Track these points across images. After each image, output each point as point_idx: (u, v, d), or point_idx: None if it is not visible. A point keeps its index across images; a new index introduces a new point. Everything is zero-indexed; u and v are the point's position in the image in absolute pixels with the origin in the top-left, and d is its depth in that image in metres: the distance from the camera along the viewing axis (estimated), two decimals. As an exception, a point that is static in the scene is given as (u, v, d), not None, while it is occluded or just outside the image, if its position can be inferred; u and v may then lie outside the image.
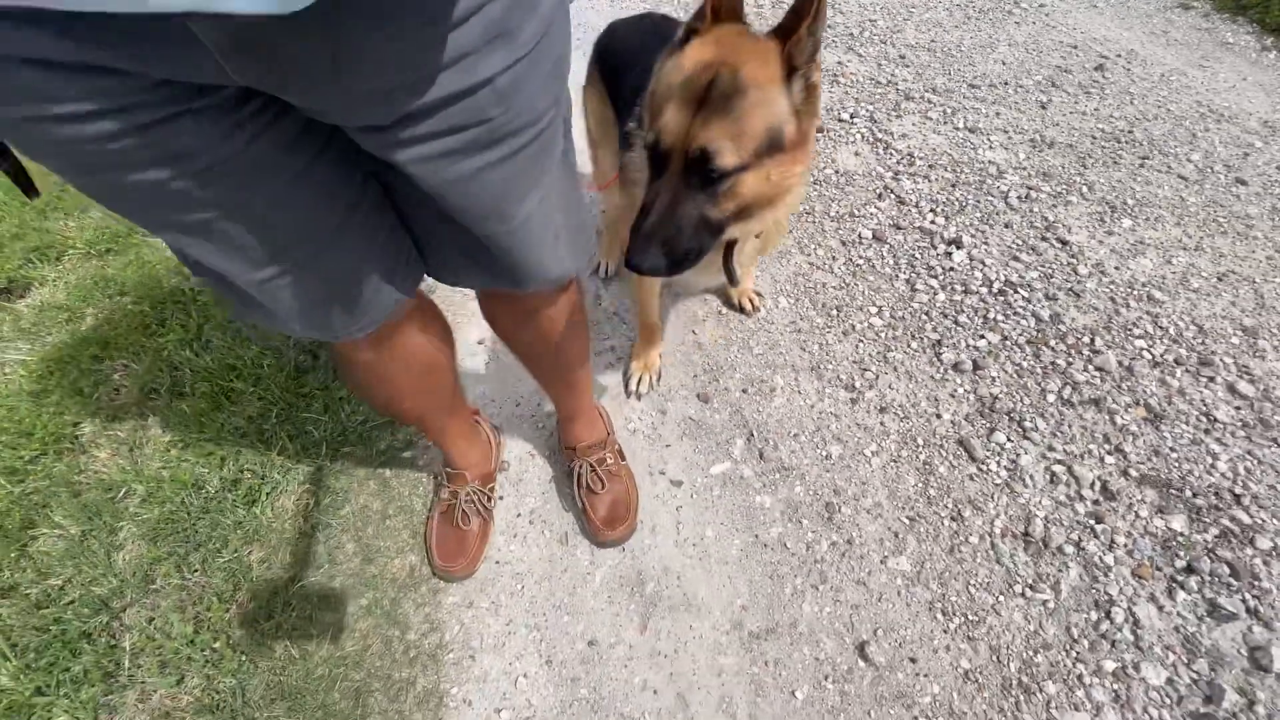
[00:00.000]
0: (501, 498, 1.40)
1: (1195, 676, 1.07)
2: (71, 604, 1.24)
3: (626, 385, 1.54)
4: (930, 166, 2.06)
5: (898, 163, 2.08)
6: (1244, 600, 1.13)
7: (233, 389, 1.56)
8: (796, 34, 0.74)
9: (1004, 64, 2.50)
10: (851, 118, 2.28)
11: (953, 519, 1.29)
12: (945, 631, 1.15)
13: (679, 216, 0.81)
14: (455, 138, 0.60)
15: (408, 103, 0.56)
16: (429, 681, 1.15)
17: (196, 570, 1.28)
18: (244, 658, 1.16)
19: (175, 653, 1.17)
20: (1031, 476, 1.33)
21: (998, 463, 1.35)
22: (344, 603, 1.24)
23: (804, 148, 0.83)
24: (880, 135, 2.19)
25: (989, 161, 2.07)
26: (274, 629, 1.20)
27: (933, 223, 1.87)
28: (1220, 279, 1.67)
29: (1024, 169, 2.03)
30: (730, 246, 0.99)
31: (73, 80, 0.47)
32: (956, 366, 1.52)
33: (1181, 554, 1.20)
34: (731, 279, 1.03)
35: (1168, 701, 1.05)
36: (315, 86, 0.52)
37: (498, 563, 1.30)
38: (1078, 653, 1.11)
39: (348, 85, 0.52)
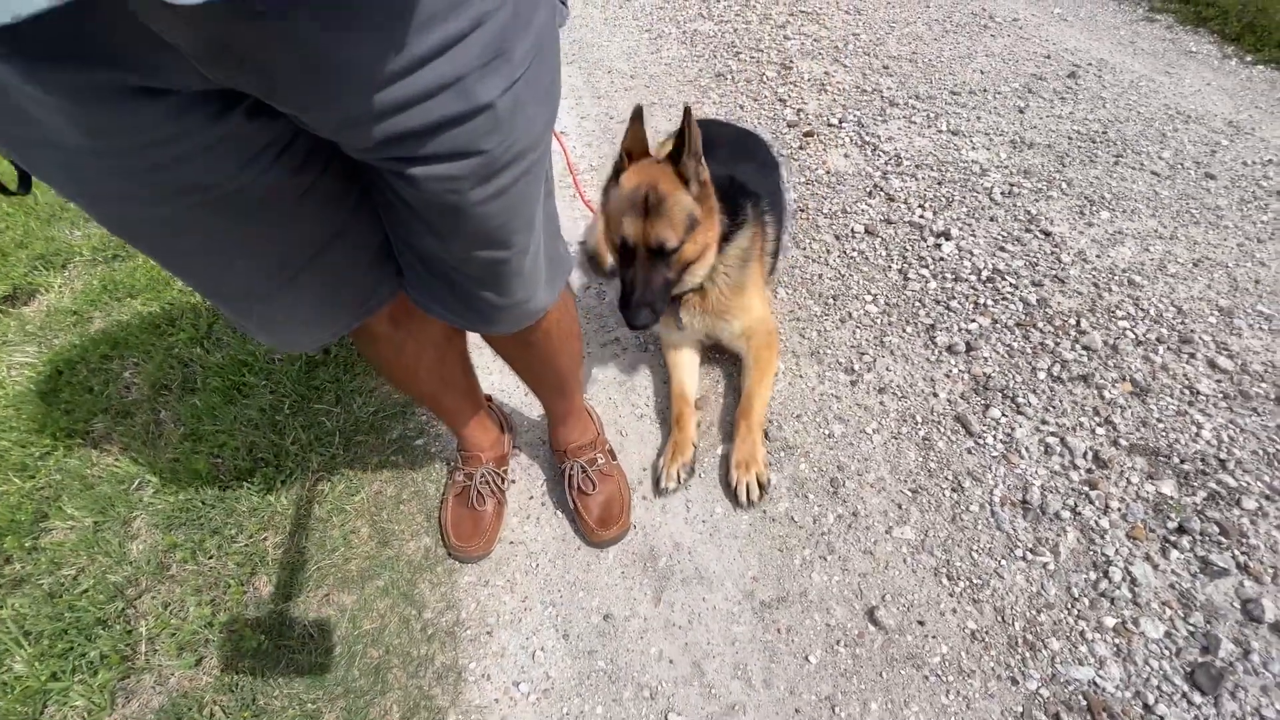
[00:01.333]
0: (514, 481, 1.42)
1: (1192, 629, 1.11)
2: (85, 592, 1.25)
3: (656, 484, 1.38)
4: (917, 166, 2.15)
5: (885, 163, 2.17)
6: (1234, 557, 1.18)
7: (245, 383, 1.59)
8: (681, 161, 1.19)
9: (982, 73, 2.62)
10: (840, 122, 2.37)
11: (953, 490, 1.33)
12: (951, 595, 1.19)
13: (652, 285, 1.21)
14: (460, 164, 0.59)
15: (399, 120, 0.54)
16: (447, 658, 1.16)
17: (212, 556, 1.29)
18: (263, 638, 1.17)
19: (193, 635, 1.18)
20: (1027, 448, 1.38)
21: (994, 436, 1.40)
22: (360, 584, 1.25)
23: (709, 220, 1.26)
24: (868, 138, 2.29)
25: (972, 161, 2.16)
26: (292, 610, 1.21)
27: (921, 217, 1.95)
28: (1195, 264, 1.76)
29: (1006, 167, 2.13)
30: (677, 300, 1.39)
31: (89, 109, 0.48)
32: (950, 348, 1.58)
33: (1173, 516, 1.25)
34: (678, 323, 1.43)
35: (1167, 653, 1.09)
36: (298, 93, 0.51)
37: (511, 543, 1.32)
38: (1079, 610, 1.15)
39: (328, 93, 0.51)
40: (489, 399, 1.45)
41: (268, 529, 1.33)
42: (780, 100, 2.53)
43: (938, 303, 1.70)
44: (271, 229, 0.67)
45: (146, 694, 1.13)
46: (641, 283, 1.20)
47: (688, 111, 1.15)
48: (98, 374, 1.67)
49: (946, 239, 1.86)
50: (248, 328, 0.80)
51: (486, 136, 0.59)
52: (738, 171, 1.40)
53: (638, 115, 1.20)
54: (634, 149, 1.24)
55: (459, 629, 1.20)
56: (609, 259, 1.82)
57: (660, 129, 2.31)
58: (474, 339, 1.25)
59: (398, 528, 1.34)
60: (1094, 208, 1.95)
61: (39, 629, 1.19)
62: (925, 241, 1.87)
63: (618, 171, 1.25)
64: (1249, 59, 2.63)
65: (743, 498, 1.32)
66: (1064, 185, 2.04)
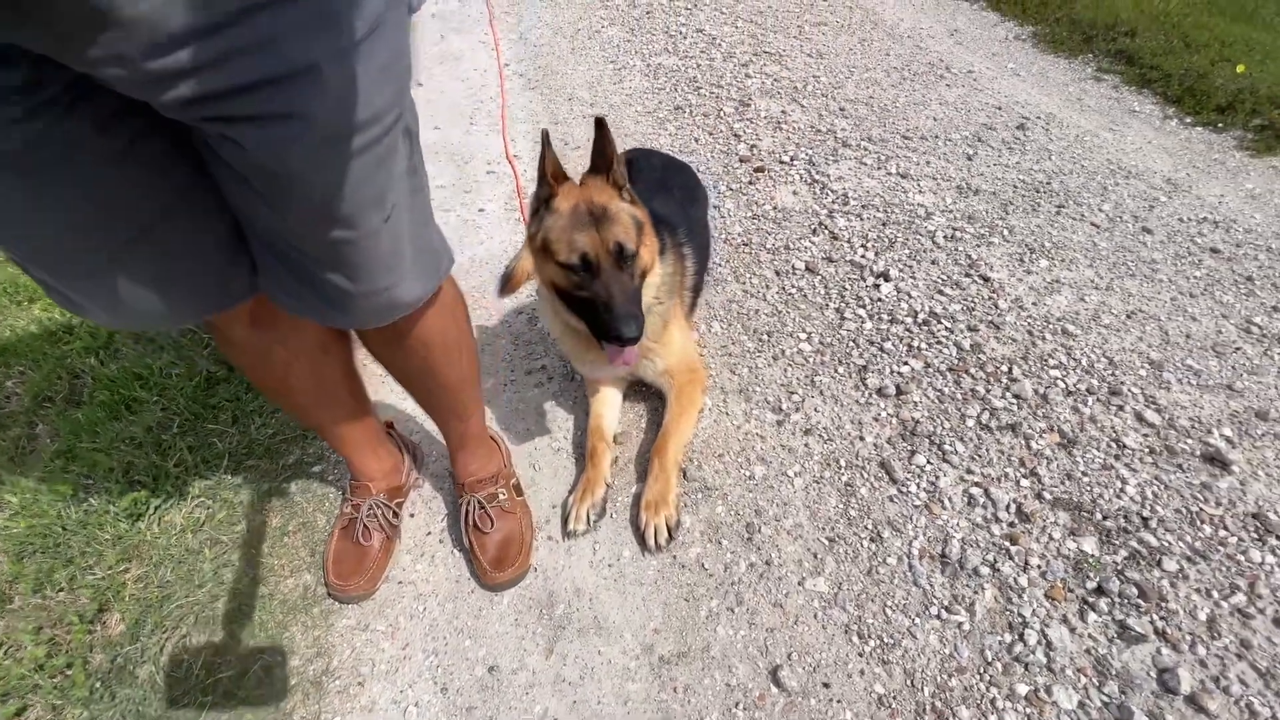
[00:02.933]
0: (412, 515, 1.33)
1: (1106, 699, 1.05)
2: (-90, 627, 1.12)
3: (565, 524, 1.29)
4: (863, 206, 2.15)
5: (833, 202, 2.17)
6: (1152, 622, 1.13)
7: (135, 398, 1.48)
8: (612, 171, 1.20)
9: (935, 120, 2.67)
10: (791, 160, 2.38)
11: (872, 540, 1.27)
12: (860, 655, 1.11)
13: (625, 291, 1.14)
14: (283, 126, 0.58)
15: (214, 77, 0.53)
16: (308, 712, 1.05)
17: (61, 589, 1.17)
18: (99, 685, 1.05)
19: (20, 679, 1.05)
20: (950, 498, 1.33)
21: (917, 484, 1.35)
22: (225, 625, 1.14)
23: (648, 225, 1.24)
24: (818, 177, 2.29)
25: (918, 204, 2.17)
26: (138, 653, 1.09)
27: (863, 257, 1.93)
28: (1129, 316, 1.76)
29: (950, 212, 2.14)
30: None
31: None
32: (881, 391, 1.54)
33: (1092, 575, 1.20)
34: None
35: (1077, 725, 1.02)
36: (87, 47, 0.49)
37: (400, 583, 1.22)
38: (991, 676, 1.08)
39: (121, 47, 0.49)
40: (390, 425, 1.37)
41: (131, 559, 1.21)
42: (735, 135, 2.54)
43: (872, 343, 1.66)
44: (81, 194, 0.62)
45: (-44, 748, 1.00)
46: (619, 291, 1.12)
47: (601, 122, 1.15)
48: None
49: (886, 280, 1.84)
50: (79, 307, 0.74)
51: (311, 100, 0.57)
52: (655, 203, 1.36)
53: (547, 140, 1.15)
54: (556, 173, 1.19)
55: (327, 679, 1.09)
56: (521, 284, 1.77)
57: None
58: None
59: (277, 562, 1.24)
60: (1034, 255, 1.96)
61: None
62: (865, 281, 1.85)
63: (545, 199, 1.20)
64: (1188, 120, 2.72)
65: (650, 541, 1.24)
66: (1006, 232, 2.05)
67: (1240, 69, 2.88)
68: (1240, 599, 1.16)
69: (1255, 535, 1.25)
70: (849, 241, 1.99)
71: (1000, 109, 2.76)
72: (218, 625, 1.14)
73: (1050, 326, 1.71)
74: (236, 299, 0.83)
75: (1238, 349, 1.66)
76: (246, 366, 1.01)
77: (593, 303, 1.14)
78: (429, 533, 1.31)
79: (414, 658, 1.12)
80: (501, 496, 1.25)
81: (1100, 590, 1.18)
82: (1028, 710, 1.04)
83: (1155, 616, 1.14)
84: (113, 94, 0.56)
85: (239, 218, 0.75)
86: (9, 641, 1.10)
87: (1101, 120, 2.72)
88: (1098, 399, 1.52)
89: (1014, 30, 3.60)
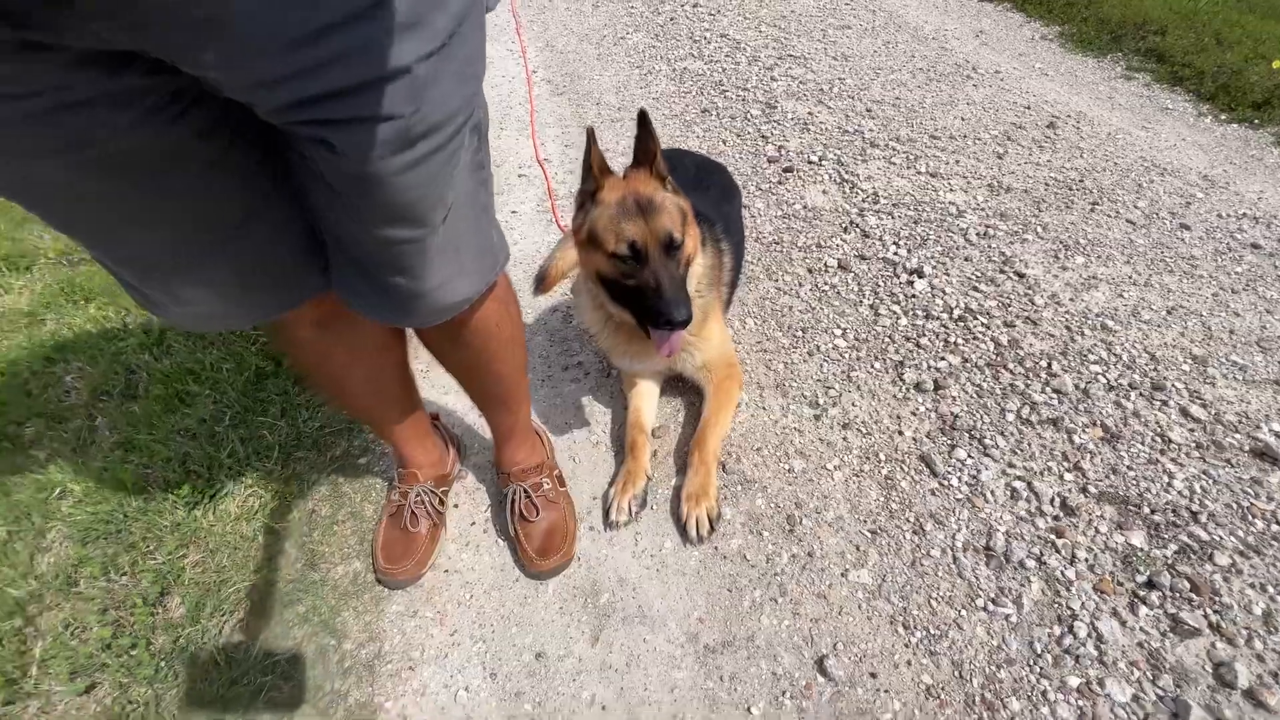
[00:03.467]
0: (456, 505, 1.35)
1: (1161, 693, 1.03)
2: (-17, 608, 1.16)
3: (606, 515, 1.31)
4: (894, 205, 2.15)
5: (863, 200, 2.18)
6: (1205, 616, 1.11)
7: (188, 391, 1.53)
8: (654, 163, 1.22)
9: (963, 119, 2.66)
10: (820, 160, 2.39)
11: (914, 533, 1.27)
12: (907, 646, 1.11)
13: (673, 277, 1.17)
14: (378, 128, 0.59)
15: (314, 82, 0.55)
16: (363, 694, 1.08)
17: (125, 573, 1.21)
18: (163, 664, 1.08)
19: (89, 659, 1.09)
20: (992, 492, 1.32)
21: (959, 478, 1.35)
22: (280, 609, 1.17)
23: (690, 215, 1.26)
24: (847, 176, 2.30)
25: (949, 202, 2.16)
26: (199, 635, 1.13)
27: (895, 254, 1.93)
28: (1169, 312, 1.74)
29: (982, 210, 2.13)
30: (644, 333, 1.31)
31: None
32: (918, 386, 1.54)
33: (1142, 569, 1.18)
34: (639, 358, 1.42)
35: (1134, 718, 1.01)
36: (202, 53, 0.51)
37: (447, 571, 1.25)
38: (1041, 668, 1.07)
39: (233, 54, 0.51)
40: (436, 418, 1.40)
41: (189, 546, 1.25)
42: (763, 137, 2.56)
43: (907, 339, 1.66)
44: (178, 200, 0.65)
45: (29, 722, 1.04)
46: (668, 277, 1.15)
47: (644, 116, 1.17)
48: (39, 376, 1.61)
49: (919, 276, 1.84)
50: (158, 307, 0.77)
51: (403, 102, 0.59)
52: (692, 199, 1.38)
53: (592, 137, 1.19)
54: (602, 167, 1.22)
55: (379, 663, 1.12)
56: (556, 283, 1.82)
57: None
58: (425, 356, 1.20)
59: (328, 549, 1.27)
60: (1069, 252, 1.94)
61: (-77, 646, 1.10)
62: (898, 278, 1.85)
63: (591, 192, 1.23)
64: (1223, 117, 2.68)
65: (692, 532, 1.25)
66: (1039, 229, 2.04)
67: (1276, 65, 2.83)
68: (1298, 592, 1.14)
69: (1313, 533, 1.23)
70: (881, 239, 2.00)
71: (1029, 108, 2.74)
72: (273, 609, 1.17)
73: (1089, 322, 1.70)
74: (306, 296, 0.85)
75: (1275, 336, 1.64)
76: (307, 365, 1.04)
77: (640, 291, 1.17)
78: (473, 523, 1.33)
79: (462, 644, 1.14)
80: (546, 486, 1.27)
81: (1151, 584, 1.16)
82: (1080, 703, 1.03)
83: (1209, 610, 1.12)
84: (214, 101, 0.59)
85: (317, 221, 0.77)
86: (76, 623, 1.15)
87: (1133, 118, 2.69)
88: (1140, 394, 1.50)
89: (1040, 30, 3.58)
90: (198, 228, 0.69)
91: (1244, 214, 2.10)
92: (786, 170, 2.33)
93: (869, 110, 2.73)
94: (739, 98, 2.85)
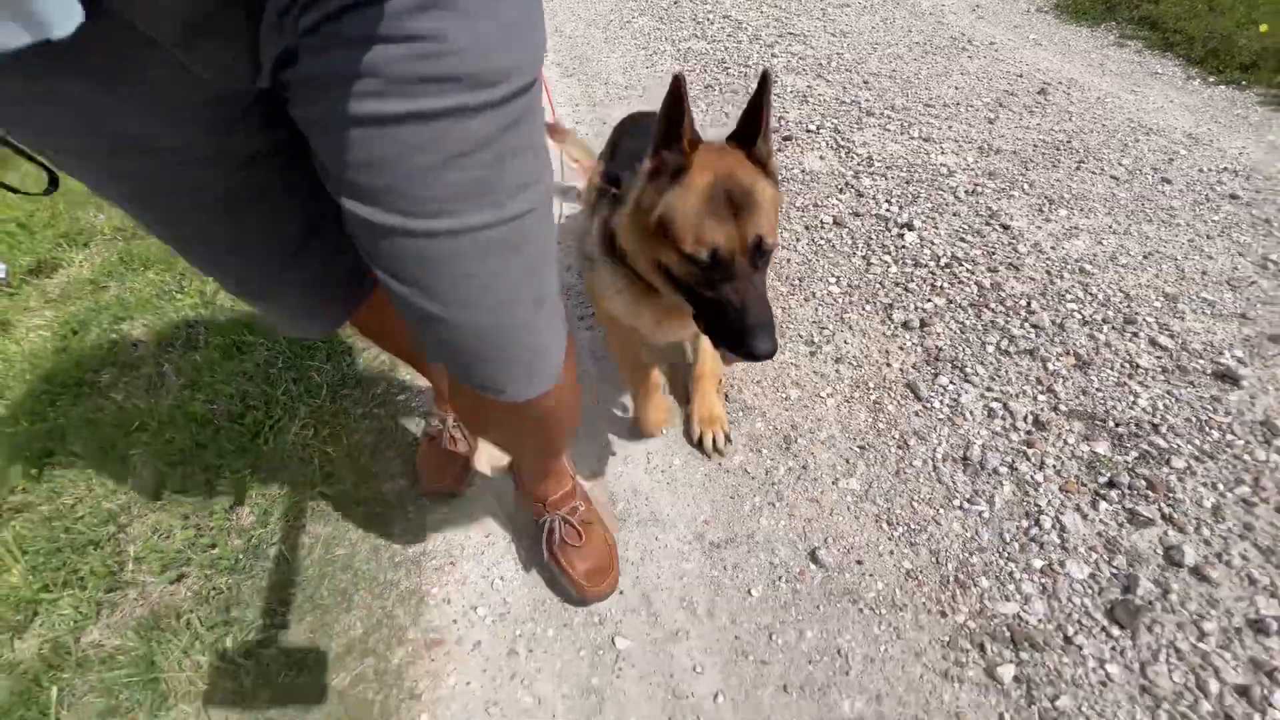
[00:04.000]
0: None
1: (1115, 571, 1.17)
2: (81, 518, 1.34)
3: (641, 427, 1.42)
4: (888, 167, 2.27)
5: (858, 164, 2.30)
6: (1160, 509, 1.24)
7: (244, 341, 1.70)
8: (755, 147, 0.95)
9: (956, 89, 2.77)
10: (818, 129, 2.51)
11: (899, 447, 1.40)
12: (890, 539, 1.25)
13: (760, 295, 0.93)
14: (389, 48, 0.49)
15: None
16: (411, 583, 1.24)
17: (200, 490, 1.38)
18: (240, 559, 1.25)
19: (176, 554, 1.26)
20: (971, 412, 1.45)
21: (940, 401, 1.48)
22: (336, 517, 1.34)
23: (778, 186, 1.02)
24: (843, 143, 2.42)
25: (940, 164, 2.28)
26: (269, 537, 1.29)
27: (888, 210, 2.06)
28: (1146, 257, 1.85)
29: (972, 170, 2.24)
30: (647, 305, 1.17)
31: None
32: (906, 324, 1.67)
33: (1104, 472, 1.31)
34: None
35: (1090, 592, 1.14)
36: None
37: (480, 486, 1.40)
38: (1009, 554, 1.21)
39: None
40: None
41: (254, 467, 1.42)
42: (763, 109, 2.69)
43: (897, 285, 1.79)
44: (262, 224, 0.71)
45: (129, 606, 1.21)
46: (755, 297, 0.92)
47: (766, 78, 0.87)
48: (108, 333, 1.79)
49: (909, 229, 1.96)
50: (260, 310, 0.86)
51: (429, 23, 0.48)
52: None
53: (680, 89, 0.86)
54: (694, 137, 0.94)
55: (424, 558, 1.28)
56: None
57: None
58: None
59: (376, 469, 1.43)
60: (1053, 206, 2.06)
61: (35, 547, 1.28)
62: (890, 232, 1.98)
63: (675, 169, 0.93)
64: (1211, 80, 2.76)
65: (708, 445, 1.40)
66: (1026, 186, 2.15)
67: (1264, 29, 2.90)
68: (1245, 490, 1.26)
69: (1262, 439, 1.35)
70: (874, 198, 2.12)
71: (1021, 76, 2.84)
72: (330, 517, 1.34)
73: (1068, 267, 1.81)
74: (369, 294, 0.93)
75: (1253, 283, 1.74)
76: (360, 323, 1.09)
77: (717, 304, 0.94)
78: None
79: (497, 544, 1.30)
80: (581, 509, 1.22)
81: (1111, 484, 1.29)
82: (1042, 580, 1.17)
83: (1163, 505, 1.25)
84: (279, 122, 0.59)
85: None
86: (162, 529, 1.32)
87: (1123, 83, 2.78)
88: (1113, 327, 1.62)
89: (1036, 3, 3.66)
90: (269, 248, 0.74)
91: (1224, 168, 2.20)
92: (785, 138, 2.46)
93: (865, 82, 2.84)
94: (741, 74, 2.98)
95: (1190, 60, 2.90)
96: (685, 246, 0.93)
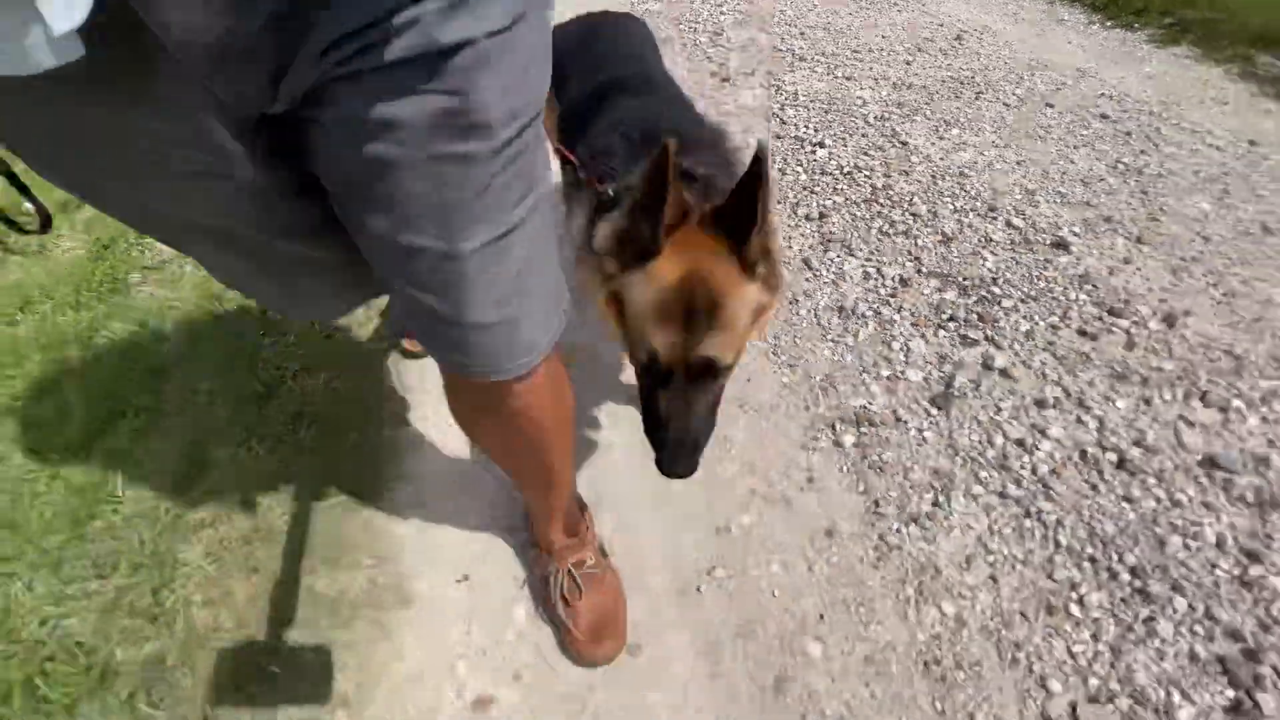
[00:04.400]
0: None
1: (942, 374, 1.50)
2: (125, 374, 1.65)
3: None
4: (811, 101, 2.59)
5: (785, 99, 2.61)
6: (985, 334, 1.57)
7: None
8: (751, 241, 0.77)
9: (883, 37, 3.08)
10: (753, 72, 2.82)
11: (790, 304, 1.73)
12: (775, 366, 1.58)
13: (698, 416, 0.82)
14: (409, 101, 0.52)
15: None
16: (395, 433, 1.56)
17: (234, 355, 1.69)
18: (303, 446, 1.57)
19: (249, 431, 1.58)
20: (851, 275, 1.78)
21: (827, 270, 1.81)
22: (358, 426, 1.66)
23: (774, 299, 0.85)
24: (774, 83, 2.73)
25: (857, 97, 2.60)
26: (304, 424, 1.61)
27: (805, 133, 2.38)
28: (1019, 164, 2.17)
29: (884, 102, 2.56)
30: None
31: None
32: (808, 217, 2.00)
33: (948, 311, 1.64)
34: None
35: (921, 389, 1.48)
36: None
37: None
38: (864, 368, 1.54)
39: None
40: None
41: (270, 336, 1.74)
42: (708, 58, 2.99)
43: (805, 189, 2.12)
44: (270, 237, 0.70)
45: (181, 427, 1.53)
46: (679, 416, 0.82)
47: (759, 158, 0.70)
48: (135, 246, 2.09)
49: (821, 147, 2.28)
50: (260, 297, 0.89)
51: (455, 81, 0.52)
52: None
53: (665, 161, 0.72)
54: (677, 216, 0.79)
55: (409, 394, 1.60)
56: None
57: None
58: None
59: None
60: (948, 127, 2.38)
61: (96, 390, 1.60)
62: (804, 149, 2.29)
63: (641, 247, 0.81)
64: (1109, 24, 3.08)
65: None
66: (928, 113, 2.47)
67: (1160, -23, 3.22)
68: (1054, 319, 1.60)
69: (1076, 285, 1.68)
70: (795, 125, 2.44)
71: (942, 25, 3.15)
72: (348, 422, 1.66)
73: (950, 172, 2.14)
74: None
75: (1103, 179, 2.07)
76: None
77: (652, 403, 0.84)
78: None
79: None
80: (590, 562, 1.15)
81: (952, 319, 1.62)
82: (887, 384, 1.50)
83: (988, 331, 1.58)
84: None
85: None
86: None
87: (1031, 29, 3.10)
88: (977, 214, 1.95)
89: (968, -37, 3.96)
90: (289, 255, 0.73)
91: (1101, 94, 2.52)
92: (724, 80, 2.77)
93: (802, 34, 3.15)
94: (690, 29, 3.28)
95: (1094, 8, 3.21)
96: (630, 337, 0.85)
